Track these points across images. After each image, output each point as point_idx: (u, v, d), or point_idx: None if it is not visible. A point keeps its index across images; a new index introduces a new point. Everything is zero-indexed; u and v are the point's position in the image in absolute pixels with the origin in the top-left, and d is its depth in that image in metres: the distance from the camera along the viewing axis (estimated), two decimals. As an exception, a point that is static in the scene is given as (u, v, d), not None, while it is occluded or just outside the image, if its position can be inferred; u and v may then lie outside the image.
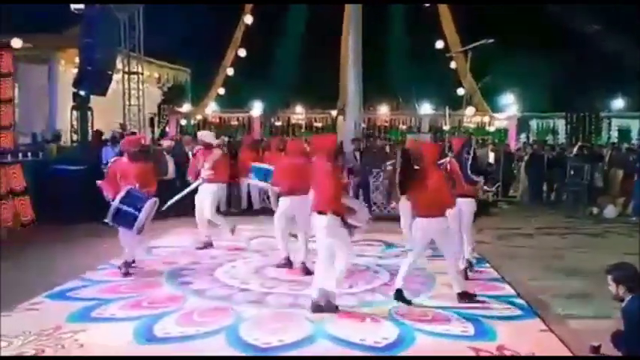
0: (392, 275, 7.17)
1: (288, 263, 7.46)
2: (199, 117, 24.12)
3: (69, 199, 9.98)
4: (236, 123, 24.00)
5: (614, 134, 22.12)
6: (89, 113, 12.84)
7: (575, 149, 15.24)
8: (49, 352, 4.68)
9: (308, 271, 6.86)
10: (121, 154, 7.79)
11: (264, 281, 6.90)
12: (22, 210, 9.65)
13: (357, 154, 11.99)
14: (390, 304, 6.00)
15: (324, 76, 21.71)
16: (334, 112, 22.97)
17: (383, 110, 23.18)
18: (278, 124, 23.95)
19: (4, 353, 4.67)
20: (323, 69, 21.61)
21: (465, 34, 20.31)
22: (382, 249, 8.83)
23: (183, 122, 23.28)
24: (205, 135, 9.44)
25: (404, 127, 22.92)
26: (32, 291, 6.23)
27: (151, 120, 19.66)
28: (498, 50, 17.61)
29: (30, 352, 4.67)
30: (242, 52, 23.11)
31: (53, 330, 5.13)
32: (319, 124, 23.71)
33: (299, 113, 23.75)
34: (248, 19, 22.70)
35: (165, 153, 11.70)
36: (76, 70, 13.86)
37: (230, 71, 23.37)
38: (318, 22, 21.35)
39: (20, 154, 10.60)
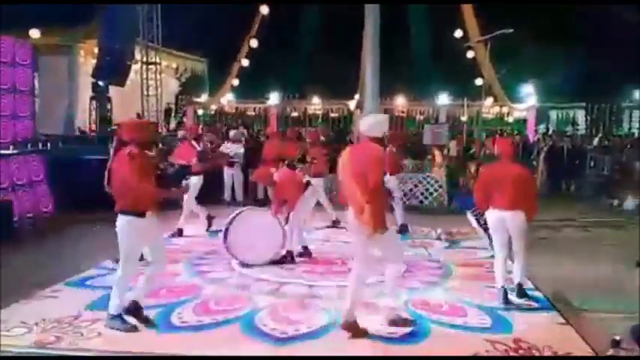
0: (408, 266, 7.17)
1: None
2: (215, 107, 24.23)
3: (88, 188, 10.03)
4: (252, 113, 24.10)
5: (635, 125, 21.78)
6: (108, 103, 12.96)
7: (595, 140, 15.02)
8: (67, 340, 4.74)
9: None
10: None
11: (280, 271, 6.93)
12: (42, 199, 9.78)
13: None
14: (405, 296, 5.99)
15: (341, 67, 21.65)
16: (351, 103, 22.92)
17: (400, 101, 23.08)
18: (294, 114, 23.98)
19: (24, 340, 4.76)
20: (340, 60, 21.54)
21: (484, 24, 20.10)
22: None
23: (200, 112, 23.41)
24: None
25: (421, 117, 22.83)
26: (52, 279, 6.31)
27: (168, 110, 19.74)
28: (518, 40, 17.38)
29: (50, 339, 4.74)
30: (259, 43, 23.13)
31: (73, 318, 5.20)
32: (335, 115, 23.70)
33: (315, 104, 23.74)
34: (264, 10, 22.70)
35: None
36: (95, 61, 14.01)
37: (245, 62, 23.42)
38: (336, 13, 21.25)
39: (40, 144, 10.73)
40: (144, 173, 4.86)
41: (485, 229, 6.56)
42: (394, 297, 5.23)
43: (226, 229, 7.09)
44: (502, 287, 5.75)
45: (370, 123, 5.09)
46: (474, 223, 7.44)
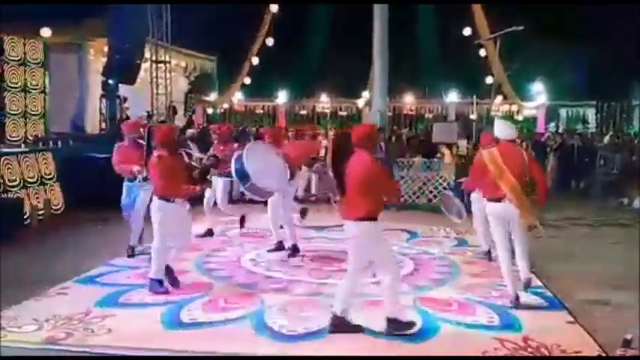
0: (416, 264, 7.17)
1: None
2: (225, 105, 24.29)
3: (99, 186, 10.08)
4: (261, 111, 24.15)
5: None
6: (118, 101, 13.02)
7: (606, 138, 14.93)
8: (78, 336, 4.78)
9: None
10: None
11: (288, 269, 6.95)
12: (53, 197, 9.85)
13: (382, 143, 11.91)
14: (414, 294, 5.99)
15: (350, 65, 21.62)
16: (359, 101, 22.91)
17: (409, 99, 23.04)
18: (303, 112, 24.01)
19: (35, 336, 4.80)
20: (350, 58, 21.50)
21: (494, 21, 19.99)
22: (406, 238, 8.80)
23: (210, 111, 23.47)
24: None
25: (430, 115, 22.79)
26: (62, 276, 6.36)
27: (173, 108, 19.58)
28: (528, 38, 17.29)
29: (60, 336, 4.78)
30: (268, 42, 23.13)
31: (83, 315, 5.24)
32: (344, 113, 23.71)
33: (324, 102, 23.75)
34: (274, 8, 22.69)
35: (189, 142, 11.79)
36: (105, 60, 14.07)
37: (255, 60, 23.45)
38: (346, 11, 21.22)
39: (51, 142, 10.79)
40: None
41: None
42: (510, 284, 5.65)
43: (240, 156, 6.69)
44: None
45: (507, 128, 5.94)
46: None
